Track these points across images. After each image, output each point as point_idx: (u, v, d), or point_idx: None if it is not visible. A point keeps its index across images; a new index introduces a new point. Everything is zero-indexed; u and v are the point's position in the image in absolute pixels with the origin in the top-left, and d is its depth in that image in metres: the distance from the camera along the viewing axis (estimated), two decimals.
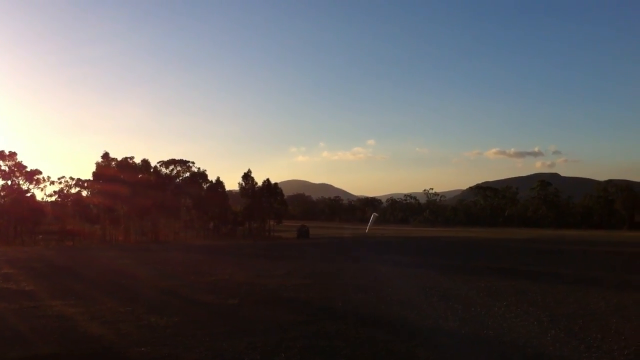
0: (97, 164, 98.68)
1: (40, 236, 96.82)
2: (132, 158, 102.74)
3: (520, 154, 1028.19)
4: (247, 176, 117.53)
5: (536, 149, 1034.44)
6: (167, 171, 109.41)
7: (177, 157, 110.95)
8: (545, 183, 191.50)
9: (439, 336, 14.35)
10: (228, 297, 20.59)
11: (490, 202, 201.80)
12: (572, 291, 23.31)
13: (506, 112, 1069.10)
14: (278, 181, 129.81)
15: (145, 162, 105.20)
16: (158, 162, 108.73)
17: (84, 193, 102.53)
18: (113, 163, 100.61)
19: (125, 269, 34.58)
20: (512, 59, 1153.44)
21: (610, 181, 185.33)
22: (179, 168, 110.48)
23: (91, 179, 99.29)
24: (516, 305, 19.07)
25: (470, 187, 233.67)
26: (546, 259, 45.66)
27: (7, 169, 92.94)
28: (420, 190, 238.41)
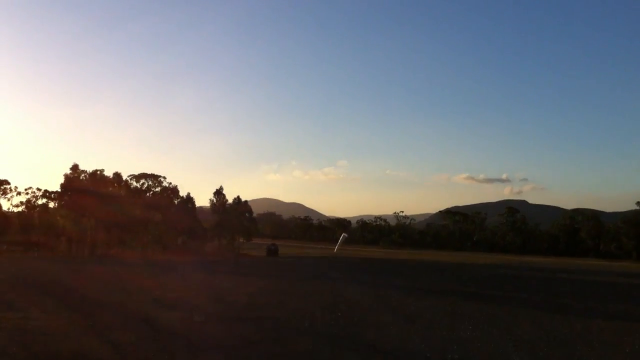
0: (66, 175, 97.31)
1: (5, 247, 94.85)
2: (102, 171, 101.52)
3: (489, 180, 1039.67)
4: (218, 192, 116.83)
5: (504, 176, 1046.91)
6: (138, 185, 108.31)
7: (150, 172, 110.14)
8: (513, 210, 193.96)
9: (404, 358, 14.39)
10: (194, 314, 20.39)
11: (459, 226, 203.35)
12: (537, 317, 23.59)
13: (476, 138, 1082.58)
14: (249, 199, 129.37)
15: (117, 175, 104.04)
16: (129, 176, 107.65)
17: (51, 204, 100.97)
18: (82, 175, 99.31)
19: (89, 283, 34.07)
20: (482, 87, 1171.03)
21: (576, 210, 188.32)
22: (149, 182, 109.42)
23: (59, 190, 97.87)
24: (481, 329, 19.20)
25: (439, 211, 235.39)
26: (512, 284, 46.08)
27: None
28: (391, 212, 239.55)
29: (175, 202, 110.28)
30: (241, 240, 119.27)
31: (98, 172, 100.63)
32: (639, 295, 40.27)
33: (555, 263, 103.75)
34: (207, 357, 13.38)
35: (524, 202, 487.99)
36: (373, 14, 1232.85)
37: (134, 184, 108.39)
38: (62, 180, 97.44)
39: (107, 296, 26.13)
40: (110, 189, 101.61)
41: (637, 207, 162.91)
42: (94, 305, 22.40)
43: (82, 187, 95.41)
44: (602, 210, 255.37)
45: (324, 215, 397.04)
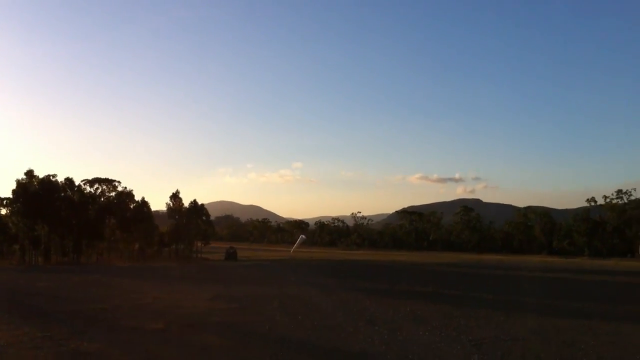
0: (18, 181, 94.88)
1: None
2: (54, 176, 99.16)
3: (443, 180, 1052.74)
4: (175, 196, 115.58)
5: (457, 175, 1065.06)
6: (92, 190, 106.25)
7: (104, 176, 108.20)
8: (467, 208, 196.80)
9: None
10: (153, 322, 20.15)
11: (416, 226, 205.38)
12: (494, 315, 24.04)
13: (428, 138, 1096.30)
14: (206, 202, 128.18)
15: (69, 181, 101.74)
16: (82, 181, 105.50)
17: (3, 211, 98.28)
18: (35, 181, 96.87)
19: (44, 292, 33.32)
20: (433, 86, 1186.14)
21: (529, 207, 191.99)
22: (104, 187, 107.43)
23: (11, 196, 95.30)
24: (440, 330, 19.46)
25: (396, 211, 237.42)
26: (469, 283, 46.80)
27: None
28: (348, 213, 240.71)
29: (131, 206, 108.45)
30: (199, 244, 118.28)
31: (51, 178, 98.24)
32: (594, 291, 41.22)
33: (509, 260, 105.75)
34: None
35: (478, 201, 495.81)
36: (321, 15, 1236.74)
37: (88, 188, 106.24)
38: (14, 186, 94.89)
39: (64, 305, 25.60)
40: (63, 194, 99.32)
41: (587, 204, 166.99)
42: (51, 315, 21.93)
43: (35, 193, 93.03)
44: (553, 207, 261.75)
45: (282, 217, 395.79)
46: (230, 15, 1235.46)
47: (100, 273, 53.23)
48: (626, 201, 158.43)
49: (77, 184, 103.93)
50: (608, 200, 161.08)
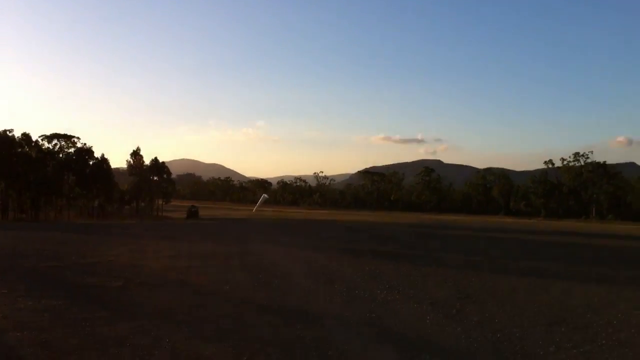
0: None
1: None
2: (11, 131, 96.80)
3: (405, 141, 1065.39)
4: (135, 153, 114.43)
5: (419, 137, 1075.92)
6: (50, 146, 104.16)
7: (62, 132, 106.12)
8: (429, 169, 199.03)
9: (325, 319, 14.71)
10: (112, 280, 20.07)
11: (377, 186, 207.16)
12: (451, 274, 24.56)
13: (391, 98, 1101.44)
14: (168, 160, 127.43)
15: (25, 136, 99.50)
16: (40, 136, 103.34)
17: None
18: None
19: (0, 249, 32.82)
20: (397, 48, 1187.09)
21: (488, 169, 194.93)
22: (62, 143, 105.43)
23: None
24: (398, 289, 19.82)
25: (358, 172, 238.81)
26: (428, 242, 47.55)
27: None
28: (311, 172, 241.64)
29: (90, 163, 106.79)
30: (160, 202, 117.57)
31: (7, 133, 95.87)
32: (548, 251, 42.34)
33: (468, 221, 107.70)
34: (127, 323, 13.27)
35: (439, 162, 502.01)
36: None
37: (46, 144, 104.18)
38: None
39: (20, 262, 25.26)
40: (20, 150, 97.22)
41: (545, 166, 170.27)
42: (7, 272, 21.64)
43: None
44: (512, 169, 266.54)
45: (245, 176, 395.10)
46: None
47: (58, 230, 52.61)
48: (582, 164, 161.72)
49: (35, 139, 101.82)
50: (565, 162, 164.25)
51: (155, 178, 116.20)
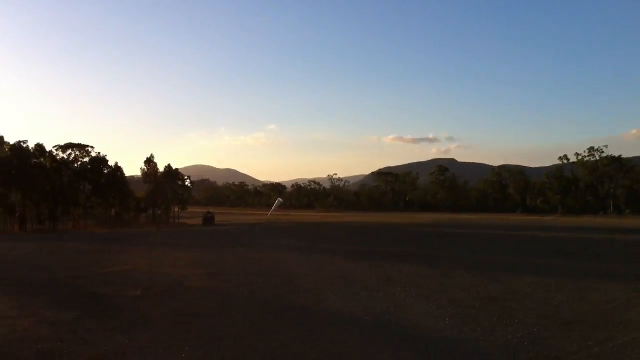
0: None
1: None
2: (25, 142, 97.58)
3: (417, 140, 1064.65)
4: (149, 161, 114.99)
5: (431, 136, 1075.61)
6: (65, 156, 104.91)
7: (77, 142, 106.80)
8: (443, 168, 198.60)
9: (343, 322, 14.67)
10: (130, 289, 20.12)
11: (392, 187, 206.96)
12: (469, 275, 24.41)
13: (401, 98, 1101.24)
14: (181, 167, 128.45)
15: (39, 147, 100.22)
16: (55, 147, 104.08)
17: None
18: (7, 148, 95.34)
19: (20, 260, 33.09)
20: (405, 49, 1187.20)
21: (503, 166, 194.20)
22: (77, 152, 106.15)
23: None
24: (416, 290, 19.74)
25: (372, 173, 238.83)
26: (444, 243, 47.39)
27: None
28: (325, 175, 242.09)
29: (105, 172, 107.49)
30: (176, 209, 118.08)
31: (22, 144, 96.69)
32: (568, 249, 41.94)
33: (485, 219, 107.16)
34: (146, 333, 13.31)
35: (453, 161, 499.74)
36: None
37: (61, 154, 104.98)
38: None
39: (40, 274, 25.43)
40: (35, 160, 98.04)
41: (560, 162, 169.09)
42: (27, 284, 21.80)
43: (6, 160, 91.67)
44: (527, 165, 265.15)
45: (259, 181, 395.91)
46: None
47: (77, 240, 52.91)
48: (598, 158, 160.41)
49: (49, 149, 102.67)
50: (580, 157, 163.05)
51: (170, 185, 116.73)
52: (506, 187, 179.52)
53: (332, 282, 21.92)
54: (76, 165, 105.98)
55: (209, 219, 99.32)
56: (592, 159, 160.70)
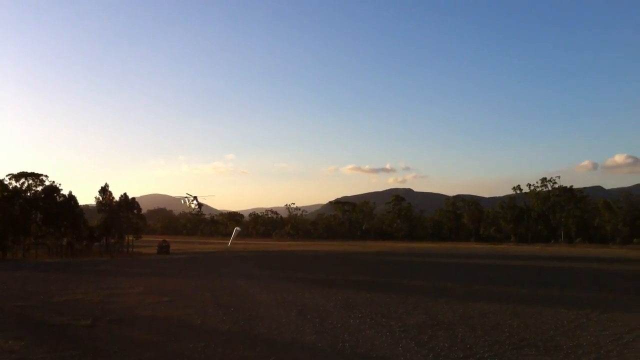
0: None
1: None
2: None
3: (374, 170, 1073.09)
4: (104, 190, 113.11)
5: (388, 166, 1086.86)
6: (18, 185, 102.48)
7: (30, 170, 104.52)
8: (399, 198, 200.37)
9: (297, 350, 14.67)
10: (80, 318, 19.74)
11: (349, 216, 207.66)
12: (422, 302, 24.68)
13: (360, 129, 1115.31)
14: (138, 195, 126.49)
15: None
16: (7, 175, 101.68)
17: None
18: None
19: None
20: (362, 80, 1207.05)
21: (458, 196, 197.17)
22: (30, 181, 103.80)
23: None
24: (370, 317, 19.89)
25: (329, 202, 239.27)
26: (399, 271, 47.71)
27: None
28: (282, 204, 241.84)
29: (58, 200, 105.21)
30: (131, 238, 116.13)
31: None
32: (520, 277, 42.66)
33: (439, 248, 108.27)
34: None
35: (409, 191, 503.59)
36: (255, 10, 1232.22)
37: (14, 183, 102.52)
38: None
39: None
40: None
41: (513, 192, 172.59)
42: None
43: None
44: (481, 196, 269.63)
45: (216, 210, 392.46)
46: (162, 7, 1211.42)
47: (26, 269, 51.56)
48: (550, 189, 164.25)
49: (2, 179, 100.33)
50: (533, 188, 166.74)
51: (125, 214, 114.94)
52: (460, 216, 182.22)
53: (288, 310, 21.88)
54: (28, 194, 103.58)
55: (163, 248, 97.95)
56: (545, 189, 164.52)
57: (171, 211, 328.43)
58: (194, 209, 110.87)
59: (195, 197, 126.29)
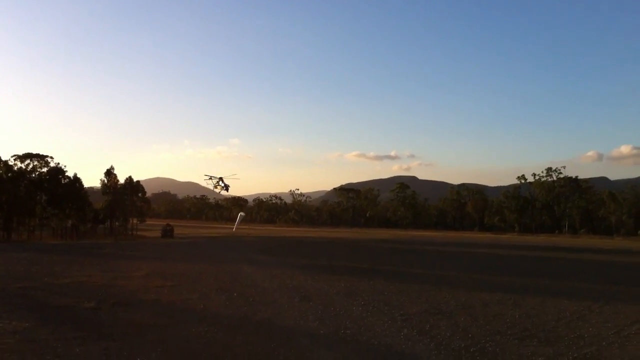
0: None
1: None
2: None
3: (379, 157, 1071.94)
4: (109, 172, 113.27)
5: (393, 153, 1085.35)
6: (23, 166, 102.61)
7: (36, 152, 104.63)
8: (404, 186, 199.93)
9: (299, 336, 14.72)
10: (84, 300, 19.84)
11: (353, 203, 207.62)
12: (425, 290, 24.70)
13: (365, 115, 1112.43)
14: (143, 179, 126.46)
15: None
16: (12, 156, 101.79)
17: None
18: None
19: None
20: (371, 67, 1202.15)
21: (463, 185, 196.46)
22: (35, 163, 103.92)
23: None
24: (373, 305, 19.92)
25: (334, 188, 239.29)
26: (403, 259, 47.76)
27: None
28: (286, 190, 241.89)
29: (63, 182, 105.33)
30: (135, 221, 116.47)
31: None
32: (522, 267, 42.69)
33: (443, 236, 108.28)
34: (100, 344, 13.15)
35: (414, 178, 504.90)
36: None
37: (19, 164, 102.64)
38: None
39: None
40: None
41: (518, 182, 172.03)
42: None
43: None
44: (485, 185, 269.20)
45: (220, 195, 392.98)
46: None
47: (31, 250, 51.75)
48: (555, 179, 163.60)
49: (6, 159, 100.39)
50: (537, 177, 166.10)
51: (129, 197, 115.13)
52: (465, 205, 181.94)
53: (291, 296, 21.94)
54: (33, 175, 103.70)
55: (167, 232, 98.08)
56: (550, 179, 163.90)
57: (175, 195, 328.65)
58: (220, 190, 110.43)
59: (221, 178, 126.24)
